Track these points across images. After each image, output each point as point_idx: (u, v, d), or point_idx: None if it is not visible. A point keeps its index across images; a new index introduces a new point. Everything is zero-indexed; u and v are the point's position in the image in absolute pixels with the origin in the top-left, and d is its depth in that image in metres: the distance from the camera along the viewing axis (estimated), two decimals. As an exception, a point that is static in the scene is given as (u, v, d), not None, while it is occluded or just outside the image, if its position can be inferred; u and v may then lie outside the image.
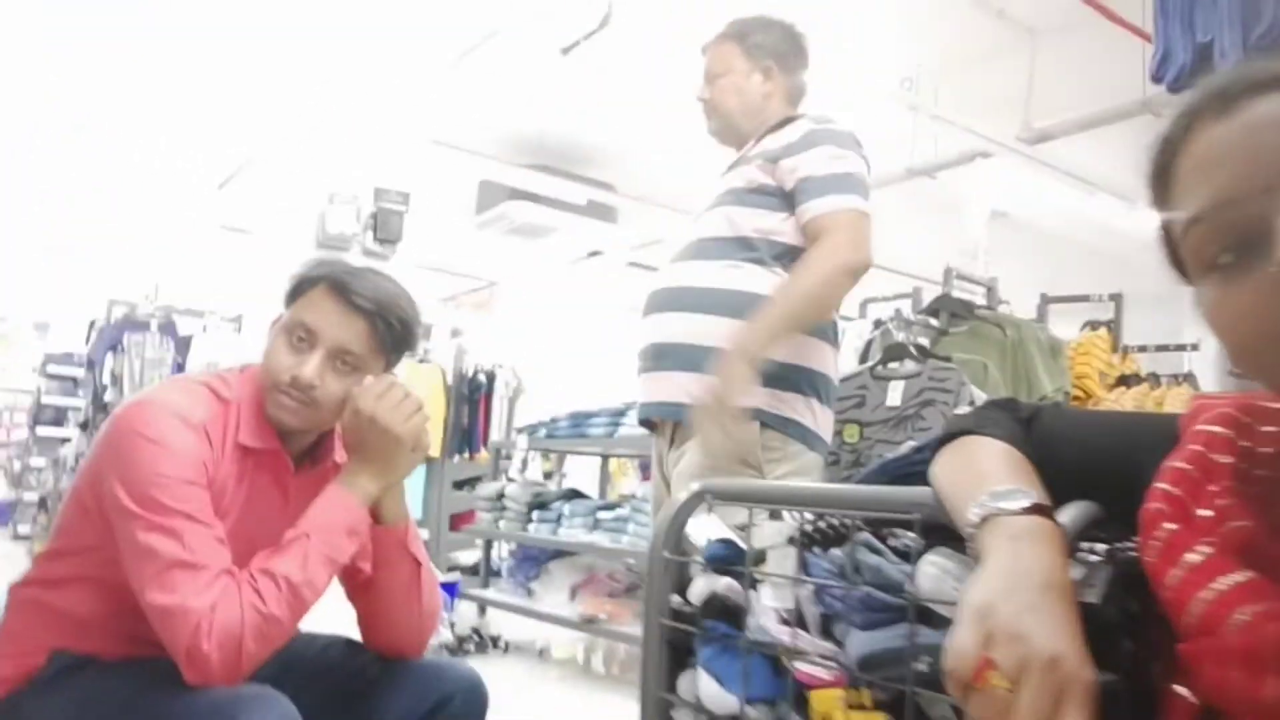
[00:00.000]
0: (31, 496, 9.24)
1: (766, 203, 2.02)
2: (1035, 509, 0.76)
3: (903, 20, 4.47)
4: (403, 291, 1.44)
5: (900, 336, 2.81)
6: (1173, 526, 0.69)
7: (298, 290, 1.41)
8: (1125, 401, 3.51)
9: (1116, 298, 3.87)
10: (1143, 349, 4.03)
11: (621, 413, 4.24)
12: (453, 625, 4.52)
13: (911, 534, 0.92)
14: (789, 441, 1.95)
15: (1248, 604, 0.62)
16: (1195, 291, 0.71)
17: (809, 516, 1.05)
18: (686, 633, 1.10)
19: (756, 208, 2.03)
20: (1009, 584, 0.69)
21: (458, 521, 5.97)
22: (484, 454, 6.20)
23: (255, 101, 5.16)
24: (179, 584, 1.17)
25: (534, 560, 4.70)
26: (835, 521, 1.03)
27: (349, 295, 1.37)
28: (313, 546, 1.26)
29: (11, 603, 1.37)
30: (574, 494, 4.75)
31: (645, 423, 2.17)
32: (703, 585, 1.09)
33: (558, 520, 4.42)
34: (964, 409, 2.53)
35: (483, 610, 4.85)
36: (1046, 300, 3.97)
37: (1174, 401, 3.55)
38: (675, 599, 1.13)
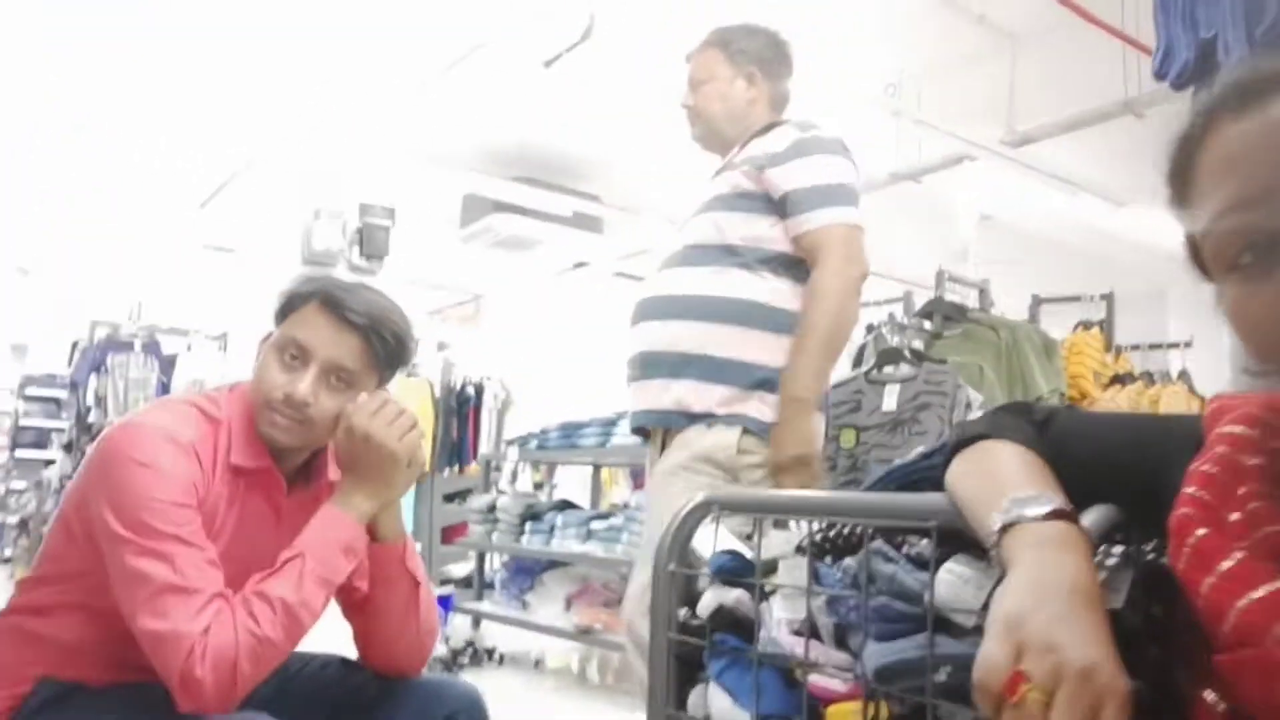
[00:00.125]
0: (12, 520, 9.14)
1: (752, 208, 2.02)
2: (1059, 514, 0.74)
3: (885, 27, 4.48)
4: (395, 306, 1.42)
5: (894, 340, 2.81)
6: (1203, 532, 0.68)
7: (288, 307, 1.38)
8: (1120, 400, 3.52)
9: (1108, 297, 3.88)
10: (1135, 348, 4.04)
11: (613, 422, 4.22)
12: (447, 639, 4.49)
13: (925, 541, 0.91)
14: (768, 446, 1.94)
15: None
16: (1217, 290, 0.71)
17: (818, 525, 1.03)
18: (695, 647, 1.08)
19: (742, 213, 2.03)
20: (1038, 593, 0.67)
21: (450, 535, 5.94)
22: (474, 467, 6.17)
23: (237, 117, 5.13)
24: (171, 609, 1.15)
25: (528, 572, 4.67)
26: (845, 530, 1.01)
27: (342, 311, 1.34)
28: (308, 567, 1.23)
29: (-4, 631, 1.33)
30: (566, 505, 4.73)
31: (638, 430, 2.17)
32: (711, 598, 1.07)
33: (551, 531, 4.39)
34: (962, 412, 2.53)
35: (477, 623, 4.82)
36: (1038, 301, 3.98)
37: (1170, 400, 3.56)
38: (683, 612, 1.10)
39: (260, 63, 3.85)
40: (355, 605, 1.42)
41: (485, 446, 6.38)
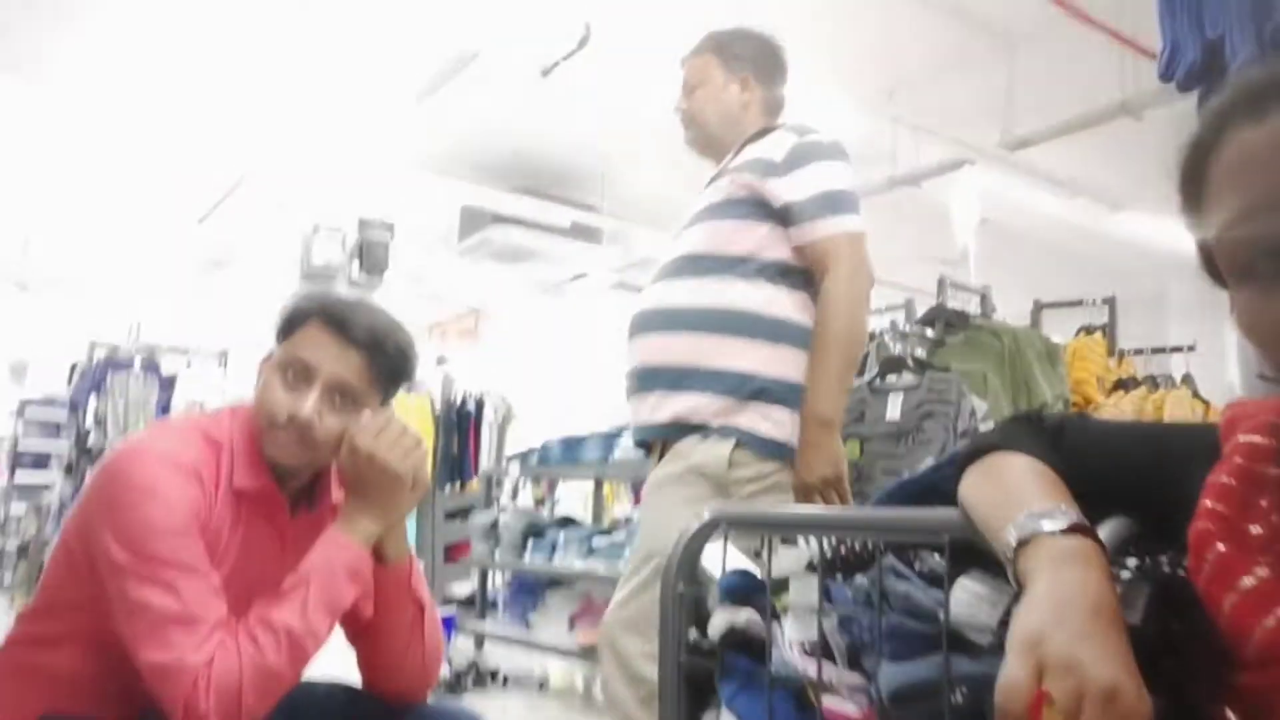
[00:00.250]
0: (11, 545, 9.08)
1: (747, 215, 2.01)
2: (1076, 529, 0.73)
3: (882, 32, 4.49)
4: (396, 322, 1.41)
5: (896, 349, 2.79)
6: (1223, 547, 0.67)
7: (289, 326, 1.37)
8: (1125, 405, 3.50)
9: (1110, 301, 3.87)
10: (1139, 352, 4.03)
11: (615, 436, 4.20)
12: (450, 661, 4.45)
13: (937, 556, 0.89)
14: (761, 460, 1.93)
15: None
16: (1231, 296, 0.70)
17: (829, 542, 1.01)
18: (706, 669, 1.06)
19: (736, 220, 2.01)
20: (1058, 611, 0.66)
21: (452, 553, 5.90)
22: (475, 483, 6.14)
23: (234, 132, 5.13)
24: (174, 640, 1.13)
25: (530, 590, 4.65)
26: (856, 545, 0.99)
27: (345, 329, 1.33)
28: (313, 593, 1.22)
29: (-4, 665, 1.31)
30: (568, 521, 4.71)
31: (640, 444, 2.16)
32: (722, 619, 1.05)
33: (553, 548, 4.37)
34: (966, 420, 2.51)
35: (480, 644, 4.78)
36: (1039, 306, 3.97)
37: (1174, 404, 3.54)
38: (693, 633, 1.09)
39: (257, 77, 3.85)
40: (359, 630, 1.40)
41: (486, 462, 6.35)
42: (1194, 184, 0.71)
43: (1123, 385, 3.67)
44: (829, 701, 0.94)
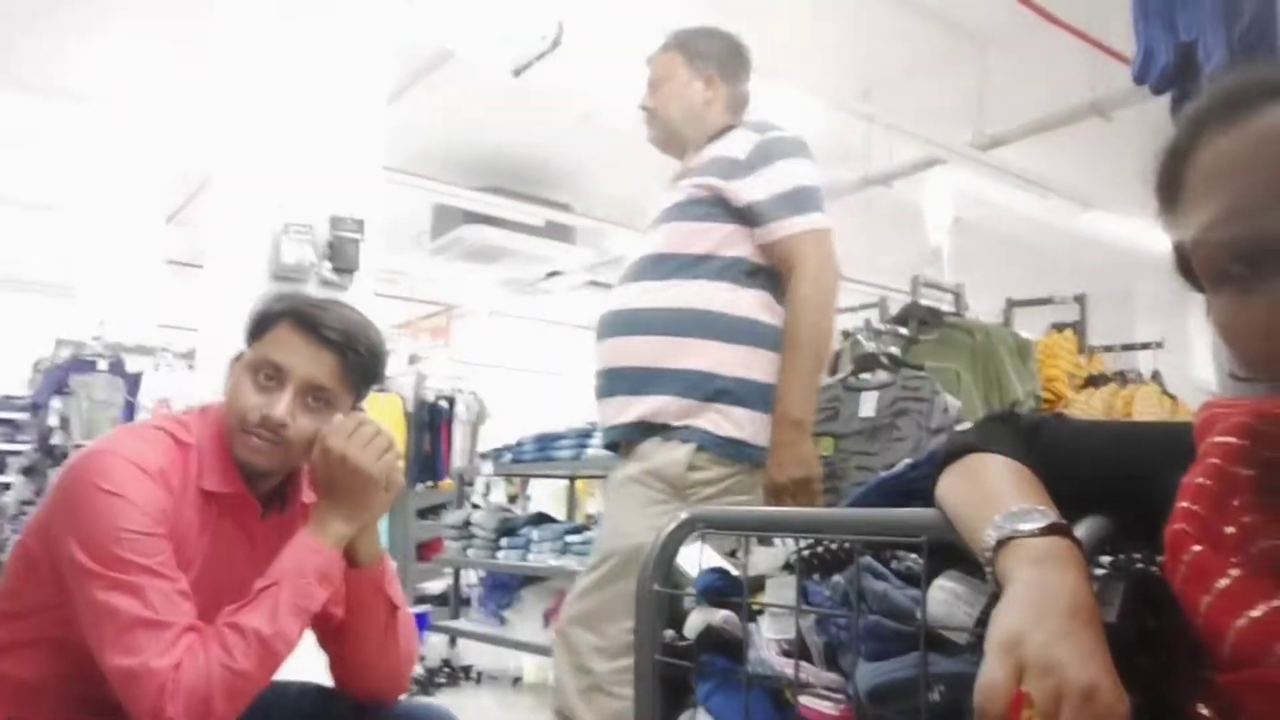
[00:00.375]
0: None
1: (709, 216, 2.00)
2: (1053, 529, 0.73)
3: (855, 33, 4.50)
4: (368, 321, 1.39)
5: (870, 346, 2.80)
6: (1199, 549, 0.67)
7: (260, 327, 1.35)
8: (1095, 402, 3.54)
9: (1080, 299, 3.92)
10: (1108, 349, 4.08)
11: (588, 434, 4.20)
12: (423, 658, 4.43)
13: (914, 556, 0.89)
14: (721, 463, 1.93)
15: None
16: (1206, 301, 0.71)
17: (805, 541, 1.01)
18: (682, 669, 1.05)
19: (695, 222, 2.01)
20: (1037, 612, 0.66)
21: (425, 551, 5.87)
22: (448, 481, 6.11)
23: (202, 130, 5.06)
24: (141, 644, 1.11)
25: (505, 587, 4.63)
26: (833, 545, 0.99)
27: (318, 329, 1.31)
28: (283, 596, 1.20)
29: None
30: (542, 518, 4.69)
31: (609, 446, 2.15)
32: (698, 618, 1.05)
33: (527, 546, 4.35)
34: (940, 417, 2.52)
35: (453, 641, 4.76)
36: (1011, 304, 4.01)
37: (1144, 400, 3.59)
38: (669, 633, 1.08)
39: (226, 74, 3.80)
40: (330, 632, 1.38)
41: (459, 460, 6.32)
42: (1170, 189, 0.72)
43: (1093, 382, 3.71)
44: (806, 701, 0.94)
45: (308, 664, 1.38)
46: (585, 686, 1.88)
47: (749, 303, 1.97)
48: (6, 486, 8.11)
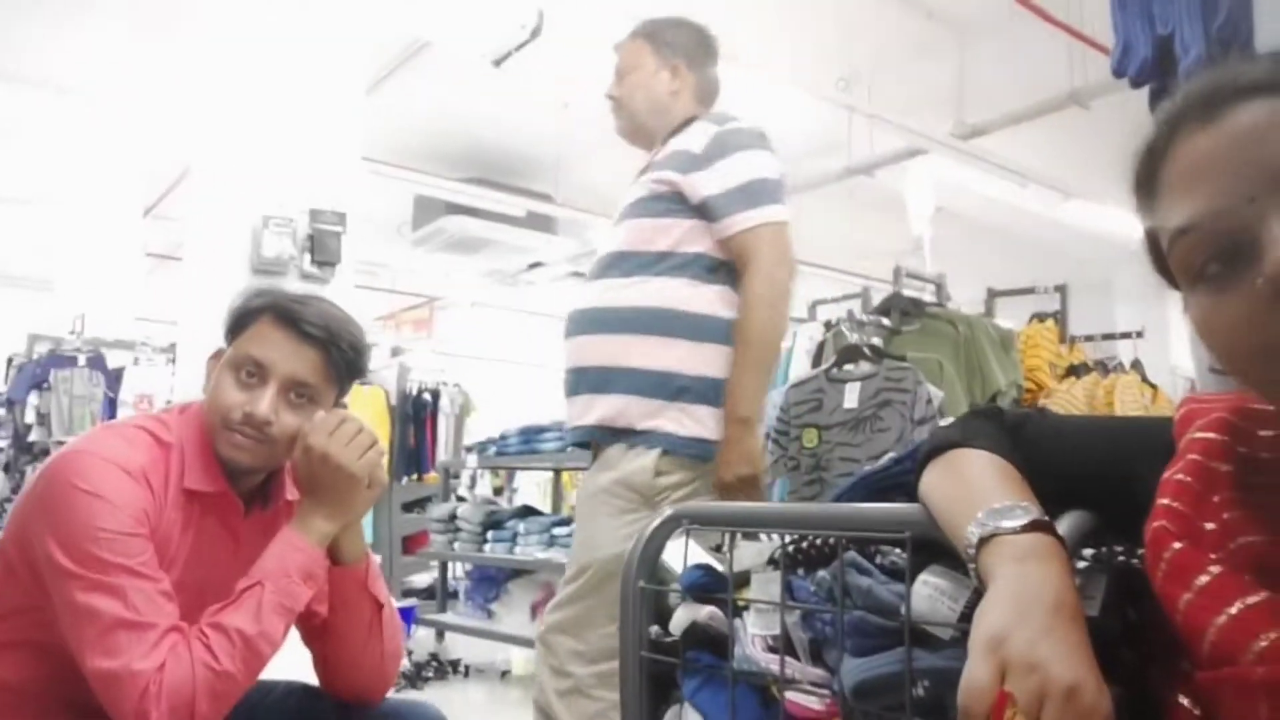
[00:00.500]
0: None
1: (669, 212, 1.98)
2: (1036, 525, 0.73)
3: (836, 22, 4.50)
4: (349, 316, 1.38)
5: (853, 338, 2.81)
6: (1179, 546, 0.68)
7: (240, 323, 1.34)
8: (1076, 392, 3.57)
9: (1062, 289, 3.94)
10: (1089, 338, 4.10)
11: (573, 426, 4.18)
12: (410, 653, 4.42)
13: (898, 551, 0.89)
14: (687, 465, 1.92)
15: (1267, 628, 0.60)
16: (1184, 299, 0.71)
17: (790, 536, 1.01)
18: (668, 666, 1.05)
19: (655, 218, 1.99)
20: (1020, 610, 0.66)
21: (410, 545, 5.86)
22: (433, 474, 6.09)
23: (180, 122, 5.01)
24: (123, 646, 1.10)
25: (492, 581, 4.63)
26: (818, 541, 1.00)
27: (299, 324, 1.30)
28: (266, 596, 1.19)
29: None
30: (528, 511, 4.69)
31: (579, 444, 2.15)
32: (684, 615, 1.05)
33: (513, 539, 4.35)
34: (923, 408, 2.54)
35: (441, 635, 4.75)
36: (993, 294, 4.02)
37: (1124, 389, 3.61)
38: (654, 630, 1.08)
39: (202, 66, 3.76)
40: (315, 631, 1.37)
41: (444, 453, 6.31)
42: (1147, 188, 0.72)
43: (1074, 371, 3.73)
44: (792, 696, 0.94)
45: (293, 663, 1.38)
46: (565, 689, 1.90)
47: (710, 299, 1.95)
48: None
